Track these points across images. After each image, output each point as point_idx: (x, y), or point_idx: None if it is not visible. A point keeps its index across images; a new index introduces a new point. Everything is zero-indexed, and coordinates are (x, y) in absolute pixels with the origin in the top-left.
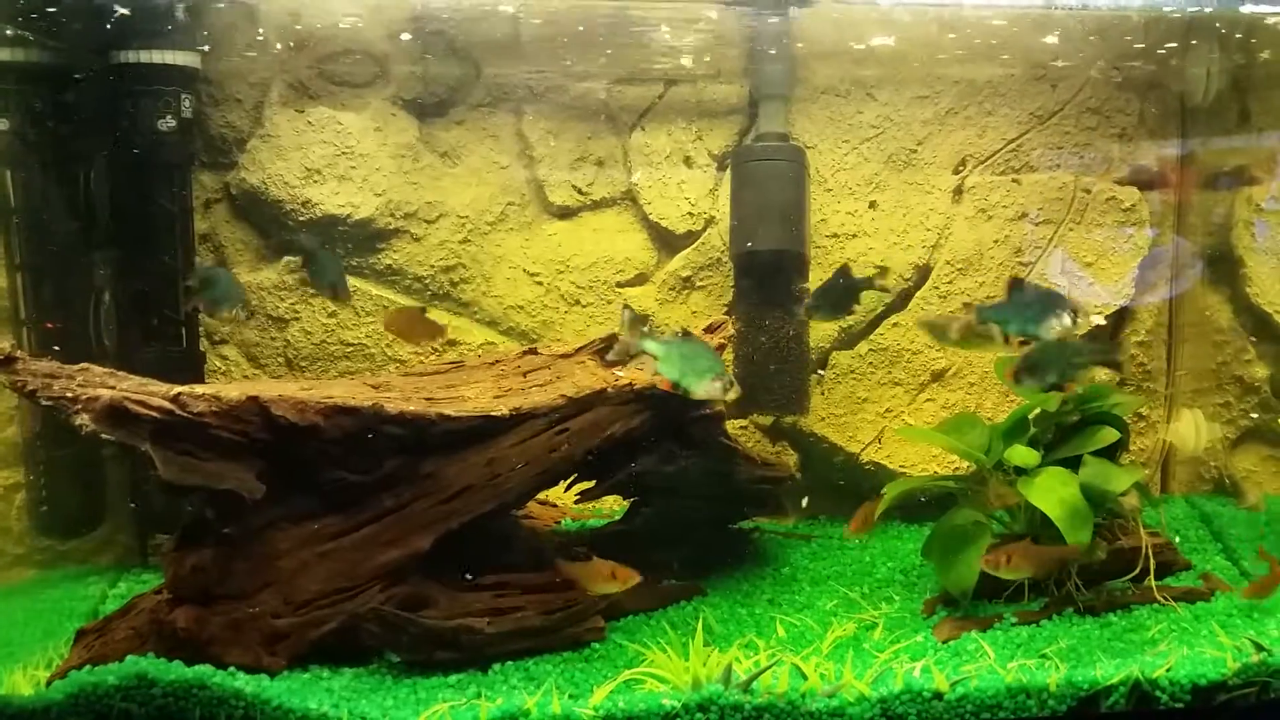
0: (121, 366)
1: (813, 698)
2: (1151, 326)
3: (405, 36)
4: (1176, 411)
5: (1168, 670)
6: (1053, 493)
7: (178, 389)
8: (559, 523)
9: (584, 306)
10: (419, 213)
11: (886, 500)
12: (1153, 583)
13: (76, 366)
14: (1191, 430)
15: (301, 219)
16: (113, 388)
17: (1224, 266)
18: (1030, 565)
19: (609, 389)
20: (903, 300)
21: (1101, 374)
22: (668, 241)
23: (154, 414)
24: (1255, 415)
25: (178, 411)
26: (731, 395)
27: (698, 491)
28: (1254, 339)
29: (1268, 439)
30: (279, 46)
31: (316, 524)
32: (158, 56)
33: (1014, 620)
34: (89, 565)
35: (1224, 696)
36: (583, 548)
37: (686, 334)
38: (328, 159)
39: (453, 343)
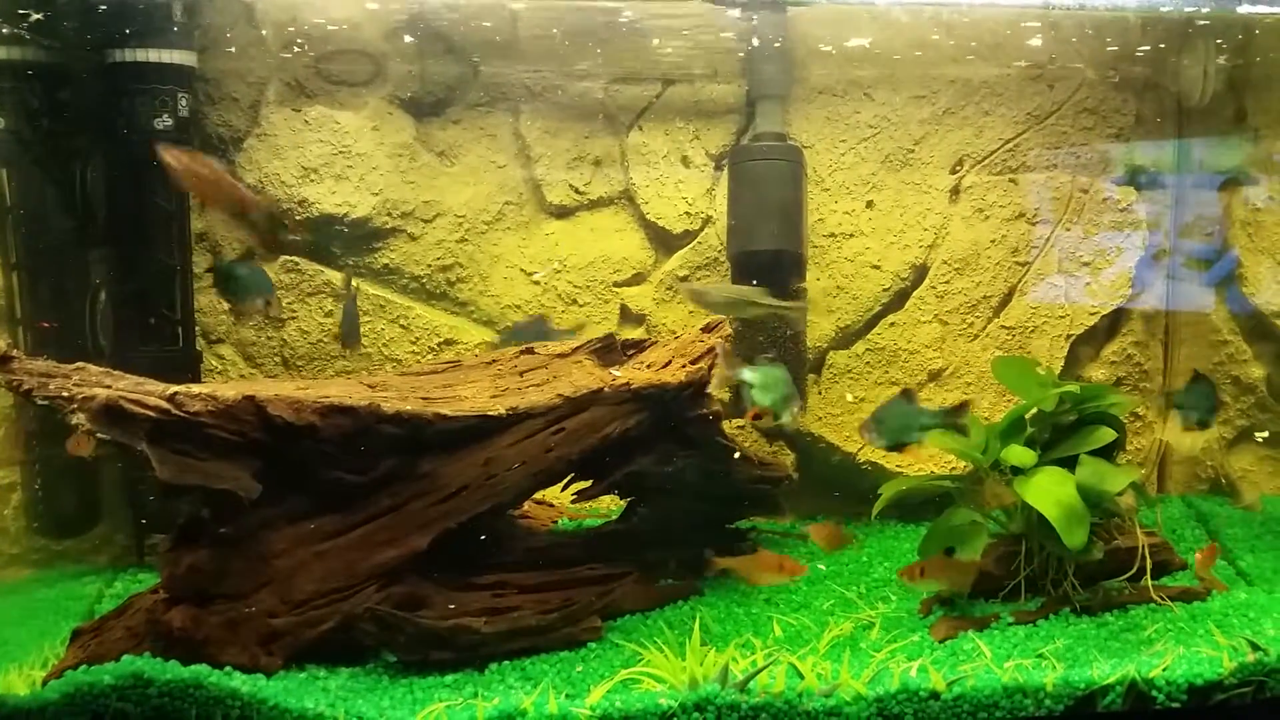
0: (118, 366)
1: (809, 697)
2: (1148, 326)
3: (405, 36)
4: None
5: (1164, 670)
6: (1049, 493)
7: (174, 388)
8: (556, 522)
9: (581, 306)
10: (416, 212)
11: (883, 500)
12: (1149, 582)
13: (72, 365)
14: None
15: (298, 218)
16: (109, 387)
17: None
18: (945, 577)
19: (606, 389)
20: (900, 300)
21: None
22: (665, 241)
23: (150, 413)
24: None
25: (174, 411)
26: (801, 414)
27: (695, 491)
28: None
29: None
30: (277, 46)
31: (313, 523)
32: (154, 55)
33: (1011, 620)
34: (85, 564)
35: (1220, 696)
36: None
37: (769, 358)
38: (325, 158)
39: (449, 342)
